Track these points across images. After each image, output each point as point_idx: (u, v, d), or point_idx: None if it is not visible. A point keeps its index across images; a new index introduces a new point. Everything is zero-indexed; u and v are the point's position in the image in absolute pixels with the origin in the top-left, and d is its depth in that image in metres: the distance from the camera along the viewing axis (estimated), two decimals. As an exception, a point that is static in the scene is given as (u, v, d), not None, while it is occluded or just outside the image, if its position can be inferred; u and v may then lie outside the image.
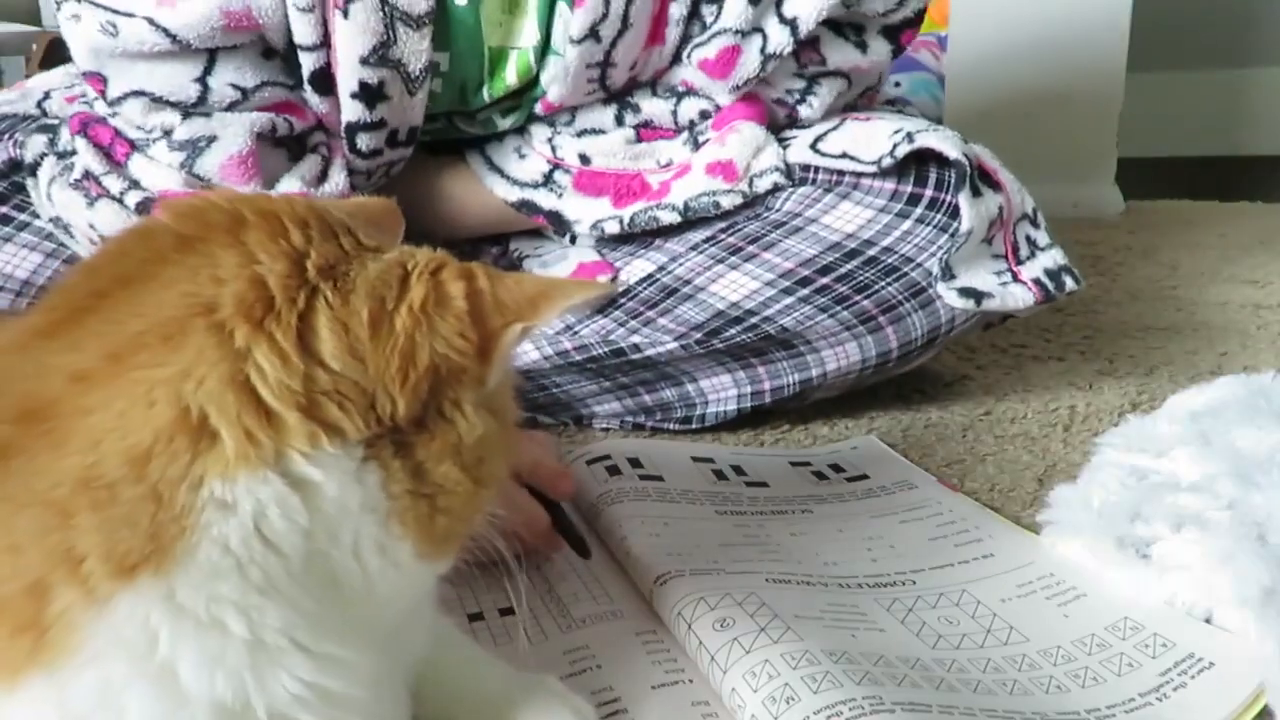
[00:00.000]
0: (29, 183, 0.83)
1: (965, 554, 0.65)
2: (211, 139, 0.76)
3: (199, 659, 0.32)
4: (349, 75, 0.77)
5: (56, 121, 0.86)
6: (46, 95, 0.93)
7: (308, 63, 0.77)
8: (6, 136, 0.85)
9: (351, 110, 0.79)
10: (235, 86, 0.77)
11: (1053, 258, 0.84)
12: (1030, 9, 1.66)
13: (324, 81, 0.78)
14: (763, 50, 0.82)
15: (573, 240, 0.91)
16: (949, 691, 0.50)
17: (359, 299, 0.35)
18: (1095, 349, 1.07)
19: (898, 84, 1.66)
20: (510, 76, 0.84)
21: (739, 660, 0.51)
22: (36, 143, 0.83)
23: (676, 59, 0.86)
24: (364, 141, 0.81)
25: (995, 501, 0.74)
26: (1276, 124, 2.33)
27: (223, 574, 0.32)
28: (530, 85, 0.85)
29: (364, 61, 0.76)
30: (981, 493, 0.75)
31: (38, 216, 0.83)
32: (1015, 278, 0.82)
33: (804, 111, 0.87)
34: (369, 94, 0.78)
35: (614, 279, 0.86)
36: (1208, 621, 0.57)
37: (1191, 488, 0.64)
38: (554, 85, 0.83)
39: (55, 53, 1.72)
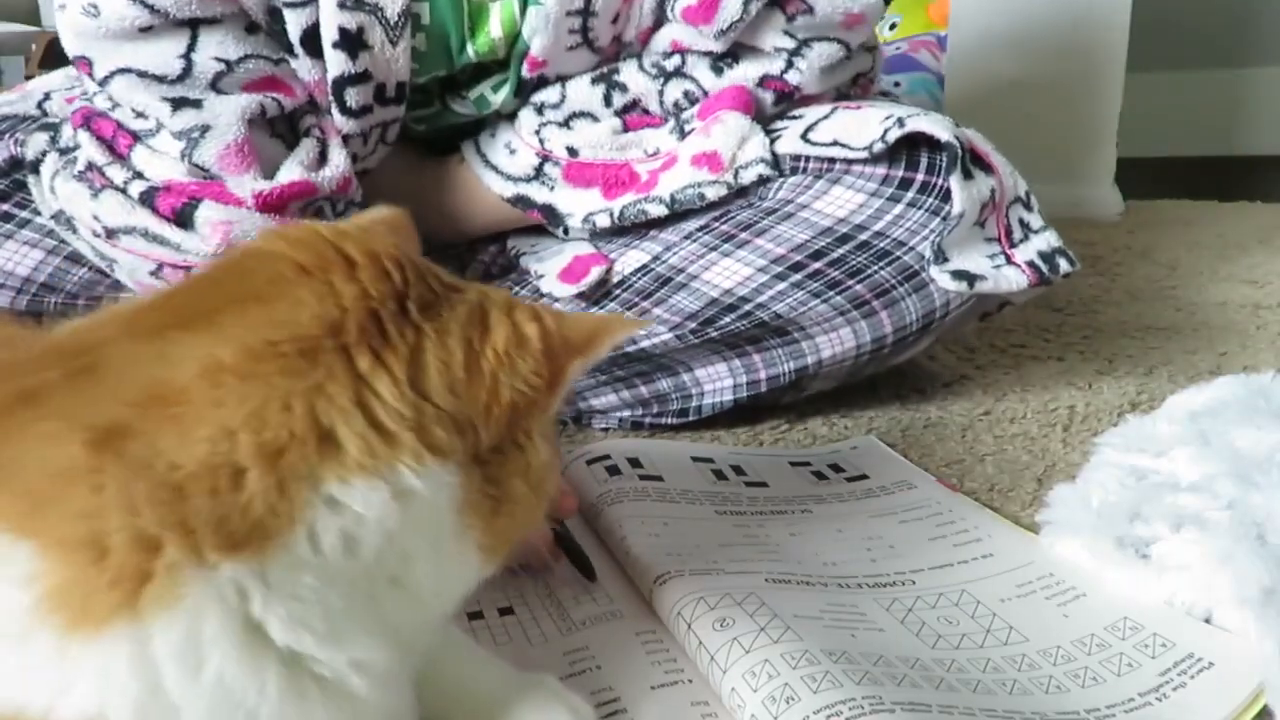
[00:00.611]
0: (30, 180, 0.84)
1: (964, 554, 0.65)
2: (205, 129, 0.77)
3: (288, 619, 0.35)
4: (329, 23, 0.78)
5: (57, 120, 0.87)
6: (46, 96, 0.93)
7: (297, 21, 0.78)
8: (7, 135, 0.85)
9: (335, 63, 0.79)
10: (220, 59, 0.78)
11: (1046, 240, 0.83)
12: (1029, 9, 1.66)
13: (315, 41, 0.79)
14: None
15: (565, 231, 0.91)
16: (949, 691, 0.50)
17: (454, 341, 0.40)
18: (1094, 349, 1.07)
19: (897, 84, 1.67)
20: (495, 29, 0.84)
21: (739, 660, 0.51)
22: (38, 141, 0.84)
23: (663, 20, 0.86)
24: (352, 97, 0.81)
25: (995, 501, 0.74)
26: (1275, 124, 2.34)
27: (308, 565, 0.35)
28: (515, 42, 0.85)
29: (341, 5, 0.77)
30: (981, 492, 0.75)
31: (39, 214, 0.83)
32: (1008, 260, 0.82)
33: (794, 78, 0.86)
34: (349, 41, 0.78)
35: (608, 269, 0.86)
36: (1207, 621, 0.57)
37: (1191, 488, 0.64)
38: (536, 36, 0.83)
39: (54, 53, 1.72)
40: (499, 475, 0.40)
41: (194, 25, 0.77)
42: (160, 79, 0.77)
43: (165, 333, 0.37)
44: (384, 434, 0.37)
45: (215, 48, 0.77)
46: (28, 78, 1.38)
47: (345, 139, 0.83)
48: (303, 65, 0.80)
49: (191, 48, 0.77)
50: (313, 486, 0.35)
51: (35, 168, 0.83)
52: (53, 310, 0.81)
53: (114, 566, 0.32)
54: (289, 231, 0.41)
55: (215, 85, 0.78)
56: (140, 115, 0.78)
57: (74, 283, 0.82)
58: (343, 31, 0.78)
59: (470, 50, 0.84)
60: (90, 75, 0.78)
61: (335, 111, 0.82)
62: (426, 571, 0.39)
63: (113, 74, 0.77)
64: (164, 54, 0.77)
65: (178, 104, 0.77)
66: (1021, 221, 0.84)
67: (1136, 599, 0.59)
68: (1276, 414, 0.71)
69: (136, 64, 0.77)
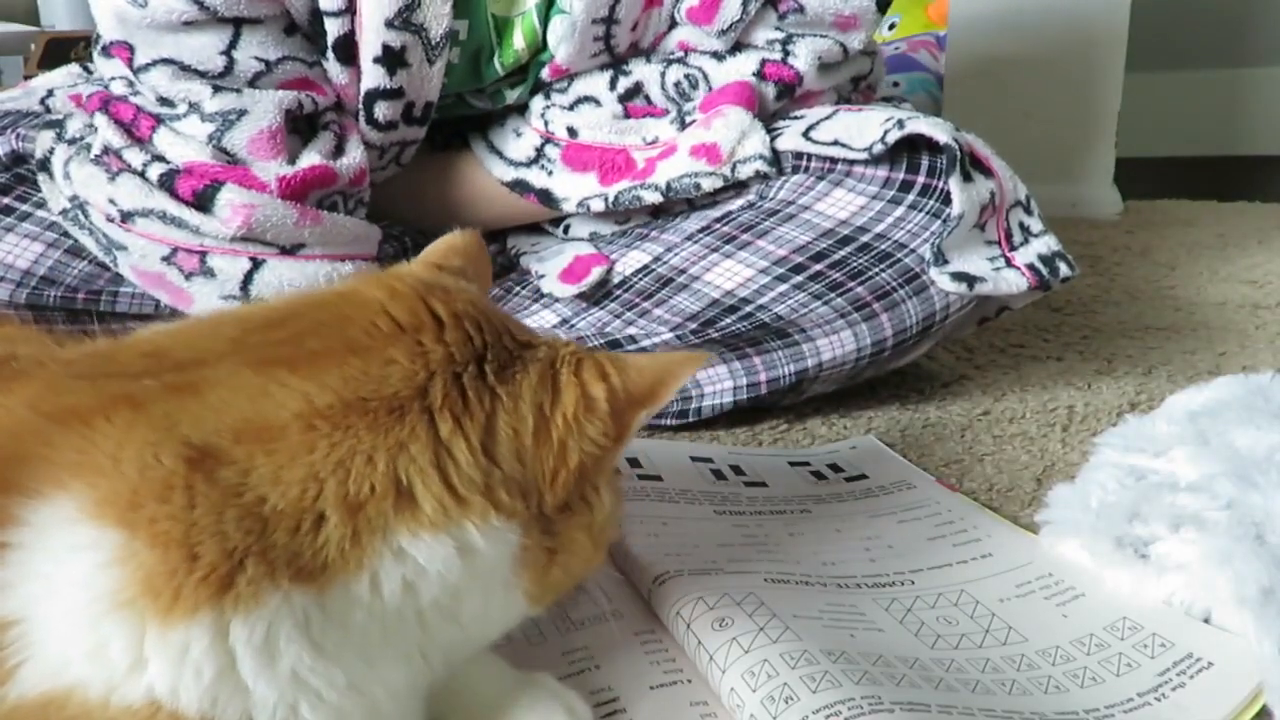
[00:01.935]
0: (40, 178, 0.84)
1: (964, 554, 0.65)
2: (242, 113, 0.78)
3: (338, 646, 0.38)
4: (373, 39, 0.80)
5: (61, 117, 0.87)
6: (49, 93, 0.94)
7: (332, 29, 0.80)
8: (9, 130, 0.86)
9: (372, 76, 0.81)
10: (259, 59, 0.79)
11: (1046, 244, 0.84)
12: (1029, 9, 1.66)
13: (346, 49, 0.81)
14: None
15: (566, 232, 0.91)
16: (948, 691, 0.50)
17: (526, 406, 0.42)
18: (1093, 349, 1.07)
19: (896, 84, 1.67)
20: (518, 41, 0.86)
21: (738, 660, 0.51)
22: (45, 139, 0.84)
23: (673, 25, 0.89)
24: (381, 111, 0.83)
25: (994, 501, 0.74)
26: (1274, 123, 2.34)
27: (360, 605, 0.38)
28: (537, 50, 0.87)
29: (389, 24, 0.79)
30: (980, 492, 0.75)
31: (40, 207, 0.84)
32: (1008, 263, 0.82)
33: (794, 64, 0.87)
34: (391, 59, 0.80)
35: (609, 269, 0.86)
36: (1206, 621, 0.57)
37: (1190, 488, 0.64)
38: (562, 45, 0.85)
39: (53, 52, 1.72)
40: (561, 530, 0.43)
41: (237, 23, 0.79)
42: (202, 74, 0.79)
43: (271, 369, 0.39)
44: (456, 496, 0.39)
45: (256, 47, 0.79)
46: (26, 77, 1.38)
47: (364, 145, 0.84)
48: (333, 69, 0.82)
49: (233, 45, 0.79)
50: (384, 538, 0.38)
51: (44, 165, 0.84)
52: (52, 303, 0.81)
53: (204, 567, 0.35)
54: (387, 281, 0.44)
55: (253, 83, 0.80)
56: (165, 101, 0.80)
57: (74, 276, 0.83)
58: (386, 49, 0.80)
59: (498, 64, 0.87)
60: (129, 62, 0.80)
61: (362, 121, 0.84)
62: (472, 612, 0.42)
63: (154, 63, 0.79)
64: (206, 49, 0.78)
65: (218, 88, 0.79)
66: (1022, 225, 0.84)
67: (1135, 599, 0.59)
68: (1275, 414, 0.71)
69: (179, 56, 0.78)
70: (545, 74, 0.88)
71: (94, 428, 0.36)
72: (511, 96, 0.91)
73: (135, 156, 0.78)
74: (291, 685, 0.37)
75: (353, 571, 0.38)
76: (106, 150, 0.79)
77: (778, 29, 0.87)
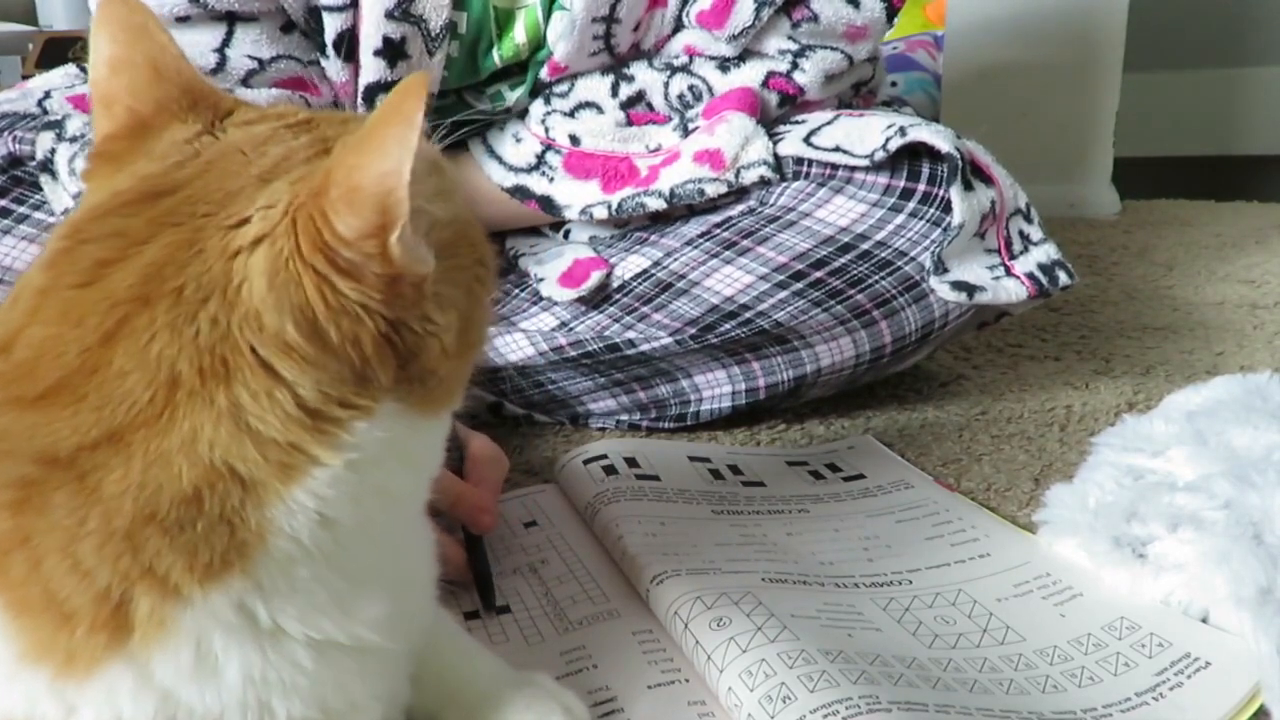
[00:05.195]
0: (43, 179, 0.84)
1: (961, 553, 0.65)
2: None
3: (299, 614, 0.36)
4: (373, 31, 0.80)
5: (59, 117, 0.87)
6: (47, 95, 0.93)
7: (333, 25, 0.80)
8: (6, 133, 0.85)
9: (373, 69, 0.81)
10: (252, 58, 0.80)
11: (1046, 252, 0.84)
12: (1027, 9, 1.66)
13: (347, 45, 0.81)
14: None
15: (566, 235, 0.91)
16: (945, 691, 0.50)
17: (287, 332, 0.34)
18: (1091, 349, 1.07)
19: (894, 84, 1.66)
20: (519, 35, 0.86)
21: (735, 659, 0.51)
22: (45, 139, 0.84)
23: (679, 27, 0.88)
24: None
25: (992, 501, 0.74)
26: (1272, 123, 2.34)
27: (297, 560, 0.35)
28: (538, 47, 0.87)
29: (389, 15, 0.79)
30: (978, 492, 0.75)
31: (37, 209, 0.84)
32: (1008, 272, 0.82)
33: (799, 79, 0.87)
34: (391, 50, 0.81)
35: (608, 273, 0.86)
36: (1204, 621, 0.57)
37: (1188, 487, 0.64)
38: (561, 42, 0.85)
39: (51, 52, 1.72)
40: (422, 371, 0.37)
41: (231, 20, 0.79)
42: None
43: (41, 409, 0.34)
44: (288, 448, 0.34)
45: (250, 46, 0.79)
46: (25, 77, 1.38)
47: None
48: (333, 66, 0.82)
49: (226, 43, 0.79)
50: (258, 508, 0.34)
51: (46, 165, 0.84)
52: None
53: (85, 625, 0.32)
54: (69, 297, 0.36)
55: (246, 82, 0.80)
56: None
57: None
58: (386, 41, 0.80)
59: (495, 56, 0.87)
60: None
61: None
62: (404, 474, 0.39)
63: None
64: (199, 45, 0.78)
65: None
66: (1021, 233, 0.84)
67: (1133, 599, 0.59)
68: (1273, 414, 0.71)
69: None
70: (544, 73, 0.88)
71: None
72: (511, 98, 0.91)
73: None
74: (247, 688, 0.35)
75: (258, 541, 0.34)
76: None
77: (790, 38, 0.86)
